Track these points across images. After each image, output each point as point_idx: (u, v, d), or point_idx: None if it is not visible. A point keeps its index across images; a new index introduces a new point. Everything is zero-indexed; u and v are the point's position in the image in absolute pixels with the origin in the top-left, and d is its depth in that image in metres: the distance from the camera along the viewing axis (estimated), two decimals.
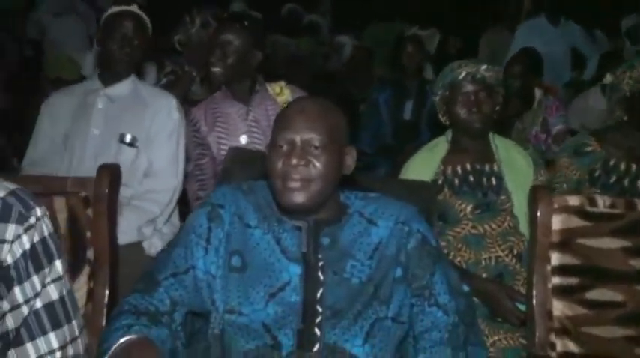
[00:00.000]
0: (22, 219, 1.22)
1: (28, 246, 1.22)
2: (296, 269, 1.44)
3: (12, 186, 1.26)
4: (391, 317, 1.44)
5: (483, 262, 2.12)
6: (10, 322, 1.21)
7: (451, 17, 7.28)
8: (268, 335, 1.38)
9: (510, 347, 1.99)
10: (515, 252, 2.12)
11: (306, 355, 1.36)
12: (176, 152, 2.51)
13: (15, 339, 1.22)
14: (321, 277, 1.44)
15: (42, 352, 1.24)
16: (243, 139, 2.51)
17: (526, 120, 3.72)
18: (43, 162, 2.43)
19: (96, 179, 1.67)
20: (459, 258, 2.14)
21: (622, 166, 2.20)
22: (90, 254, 1.65)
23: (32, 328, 1.24)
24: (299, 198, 1.43)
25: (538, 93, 3.81)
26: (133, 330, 1.26)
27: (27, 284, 1.22)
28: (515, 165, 2.25)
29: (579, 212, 1.71)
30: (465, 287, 1.59)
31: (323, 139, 1.44)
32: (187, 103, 2.91)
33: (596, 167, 2.22)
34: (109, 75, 2.51)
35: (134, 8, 2.51)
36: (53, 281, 1.27)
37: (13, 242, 1.20)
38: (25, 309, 1.22)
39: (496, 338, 2.00)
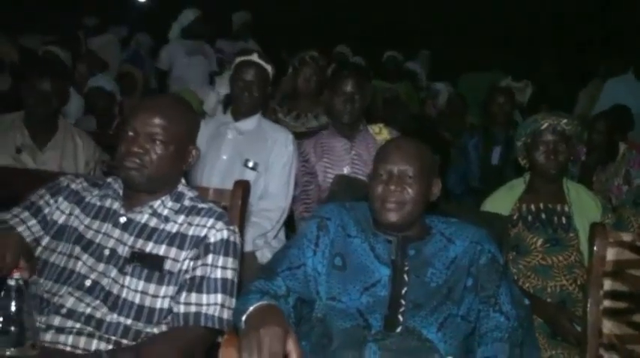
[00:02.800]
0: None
1: (225, 236, 1.81)
2: (386, 271, 1.81)
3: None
4: (461, 316, 1.77)
5: (549, 289, 2.43)
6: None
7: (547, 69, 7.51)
8: (361, 318, 1.74)
9: None
10: (578, 282, 2.40)
11: (390, 334, 1.71)
12: (288, 179, 2.94)
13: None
14: (406, 278, 1.80)
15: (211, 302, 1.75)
16: (346, 170, 2.94)
17: (609, 172, 3.94)
18: None
19: (232, 191, 2.11)
20: (527, 285, 2.45)
21: None
22: None
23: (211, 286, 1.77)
24: (394, 217, 1.82)
25: (622, 147, 4.03)
26: (264, 298, 1.66)
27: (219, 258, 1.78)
28: (584, 207, 2.53)
29: (631, 246, 1.99)
30: (526, 301, 1.92)
31: (415, 171, 1.83)
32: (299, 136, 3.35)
33: None
34: (238, 112, 3.00)
35: (255, 57, 2.98)
36: (232, 268, 1.81)
37: (219, 230, 1.81)
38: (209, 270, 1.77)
39: (554, 352, 2.29)
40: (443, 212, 2.03)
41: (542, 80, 6.96)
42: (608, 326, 1.97)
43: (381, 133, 3.04)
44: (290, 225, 3.03)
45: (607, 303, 1.98)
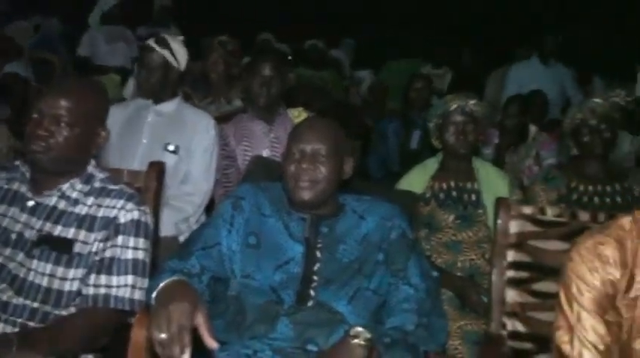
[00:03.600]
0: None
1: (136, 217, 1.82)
2: (299, 249, 1.85)
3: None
4: (371, 289, 1.82)
5: (459, 263, 2.54)
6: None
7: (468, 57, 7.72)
8: (274, 294, 1.78)
9: (473, 330, 2.39)
10: (486, 256, 2.51)
11: (302, 308, 1.76)
12: (210, 163, 2.95)
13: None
14: (319, 255, 1.84)
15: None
16: (265, 153, 2.96)
17: (520, 154, 4.11)
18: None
19: (146, 173, 2.10)
20: (440, 260, 2.55)
21: (581, 187, 2.61)
22: None
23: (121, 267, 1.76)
24: (307, 195, 1.85)
25: (533, 129, 4.21)
26: (175, 275, 1.67)
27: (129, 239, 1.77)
28: (492, 185, 2.65)
29: (532, 219, 2.10)
30: (435, 273, 1.99)
31: (328, 150, 1.87)
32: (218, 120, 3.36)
33: (561, 188, 2.63)
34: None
35: (152, 43, 2.94)
36: (143, 249, 1.81)
37: (129, 211, 1.81)
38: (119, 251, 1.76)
39: (462, 323, 2.41)
40: (356, 190, 2.09)
41: (462, 67, 7.18)
42: (511, 295, 2.07)
43: (300, 117, 3.08)
44: (211, 208, 3.03)
45: (510, 274, 2.08)
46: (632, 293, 1.45)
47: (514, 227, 2.10)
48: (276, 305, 1.76)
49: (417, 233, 2.39)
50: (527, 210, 2.12)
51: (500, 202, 2.15)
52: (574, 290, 1.49)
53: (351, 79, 6.67)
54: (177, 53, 2.93)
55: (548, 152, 4.08)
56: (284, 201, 1.93)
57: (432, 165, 2.74)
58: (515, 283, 2.07)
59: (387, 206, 1.97)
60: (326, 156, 1.86)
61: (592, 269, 1.47)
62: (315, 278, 1.81)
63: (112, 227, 1.78)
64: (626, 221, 1.50)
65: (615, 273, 1.45)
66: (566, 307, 1.50)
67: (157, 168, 2.12)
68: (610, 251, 1.46)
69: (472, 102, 2.67)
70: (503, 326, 2.05)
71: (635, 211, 1.52)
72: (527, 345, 2.03)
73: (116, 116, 2.88)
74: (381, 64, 6.85)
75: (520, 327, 2.04)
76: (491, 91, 5.60)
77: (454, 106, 2.66)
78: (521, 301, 2.06)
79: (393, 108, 5.40)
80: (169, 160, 2.75)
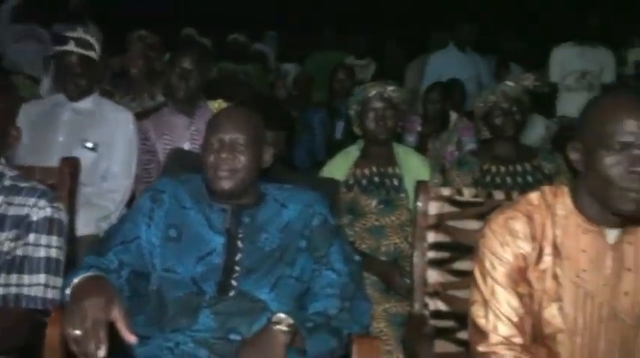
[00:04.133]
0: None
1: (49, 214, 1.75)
2: (220, 240, 1.83)
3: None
4: (294, 277, 1.82)
5: (383, 248, 2.57)
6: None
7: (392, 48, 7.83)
8: (195, 286, 1.76)
9: (398, 312, 2.43)
10: (409, 239, 2.55)
11: (223, 298, 1.74)
12: (130, 158, 2.90)
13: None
14: (240, 245, 1.83)
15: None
16: (187, 146, 2.92)
17: (442, 140, 4.20)
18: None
19: (59, 169, 2.04)
20: (364, 245, 2.57)
21: (493, 169, 2.69)
22: None
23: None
24: (227, 184, 1.84)
25: (454, 116, 4.31)
26: (92, 270, 1.63)
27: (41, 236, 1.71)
28: (413, 169, 2.70)
29: (450, 200, 2.14)
30: (357, 257, 2.01)
31: (246, 139, 1.85)
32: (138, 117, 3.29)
33: (475, 171, 2.70)
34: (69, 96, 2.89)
35: (72, 46, 2.85)
36: (57, 247, 1.74)
37: (42, 208, 1.73)
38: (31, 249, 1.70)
39: (387, 305, 2.45)
40: (278, 179, 2.08)
41: (386, 59, 7.28)
42: (432, 276, 2.10)
43: (220, 109, 3.05)
44: (132, 204, 2.97)
45: (431, 254, 2.12)
46: (542, 266, 1.50)
47: (433, 209, 2.13)
48: (198, 297, 1.74)
49: (341, 219, 2.41)
50: (446, 191, 2.16)
51: (419, 185, 2.18)
52: (487, 265, 1.53)
53: (276, 72, 6.65)
54: (95, 50, 2.86)
55: (469, 138, 4.18)
56: (204, 192, 1.91)
57: (353, 152, 2.76)
58: (435, 263, 2.11)
59: (309, 193, 1.97)
60: (245, 145, 1.85)
61: (503, 244, 1.52)
62: (237, 268, 1.80)
63: (24, 225, 1.72)
64: (534, 196, 1.56)
65: (526, 247, 1.51)
66: (480, 282, 1.54)
67: (70, 164, 2.07)
68: (520, 225, 1.51)
69: (390, 88, 2.71)
70: (426, 306, 2.08)
71: (542, 187, 1.58)
72: (449, 323, 2.07)
73: (29, 113, 2.80)
74: (307, 56, 6.88)
75: (442, 306, 2.08)
76: (410, 80, 5.70)
77: (373, 93, 2.69)
78: (442, 281, 2.10)
79: (318, 99, 5.42)
80: (88, 157, 2.70)
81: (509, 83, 2.79)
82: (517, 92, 2.74)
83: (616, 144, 1.38)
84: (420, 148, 4.03)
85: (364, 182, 2.66)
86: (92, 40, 2.89)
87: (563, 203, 1.52)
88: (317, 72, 5.98)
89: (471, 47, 5.44)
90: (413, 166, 2.71)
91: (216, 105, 3.08)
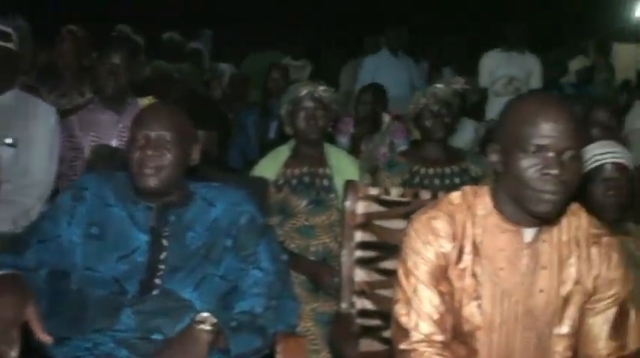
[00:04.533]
0: None
1: None
2: (145, 238, 1.80)
3: None
4: (220, 276, 1.81)
5: (312, 248, 2.58)
6: None
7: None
8: (117, 285, 1.72)
9: (326, 311, 2.44)
10: (338, 239, 2.56)
11: (146, 297, 1.71)
12: (50, 153, 2.80)
13: None
14: (165, 244, 1.80)
15: None
16: (114, 143, 2.86)
17: (375, 142, 4.24)
18: None
19: None
20: (293, 245, 2.57)
21: (422, 171, 2.74)
22: None
23: None
24: (152, 182, 1.80)
25: (386, 117, 4.36)
26: (6, 269, 1.57)
27: None
28: (343, 170, 2.71)
29: (377, 199, 2.17)
30: (285, 256, 2.01)
31: (173, 135, 1.82)
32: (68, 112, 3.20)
33: (405, 173, 2.74)
34: None
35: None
36: None
37: None
38: None
39: (315, 305, 2.46)
40: (207, 178, 2.06)
41: (322, 60, 7.30)
42: (360, 275, 2.13)
43: None
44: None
45: (359, 253, 2.14)
46: (462, 264, 1.54)
47: (361, 208, 2.15)
48: (120, 296, 1.71)
49: (271, 219, 2.40)
50: (373, 191, 2.18)
51: (348, 184, 2.20)
52: (410, 264, 1.55)
53: (211, 71, 6.58)
54: (12, 41, 2.76)
55: (401, 140, 4.25)
56: (129, 190, 1.87)
57: (284, 151, 2.76)
58: (363, 262, 2.13)
59: (236, 192, 1.96)
60: (171, 142, 1.82)
61: (426, 243, 1.54)
62: (162, 266, 1.77)
63: None
64: (455, 196, 1.59)
65: (447, 246, 1.54)
66: (403, 281, 1.56)
67: None
68: (441, 224, 1.54)
69: (321, 88, 2.72)
70: (353, 305, 2.10)
71: (463, 187, 1.62)
72: (376, 322, 2.09)
73: None
74: (244, 56, 6.85)
75: (368, 305, 2.11)
76: (345, 82, 5.74)
77: (304, 92, 2.69)
78: (369, 280, 2.13)
79: (255, 100, 5.40)
80: (6, 154, 2.61)
81: (439, 85, 2.83)
82: (447, 95, 2.79)
83: (531, 147, 1.42)
84: (353, 150, 4.06)
85: (294, 182, 2.66)
86: (9, 30, 2.77)
87: (484, 203, 1.55)
88: (254, 72, 5.97)
89: (404, 51, 5.52)
90: (343, 166, 2.72)
91: (147, 102, 3.02)
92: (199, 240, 1.83)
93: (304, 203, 2.62)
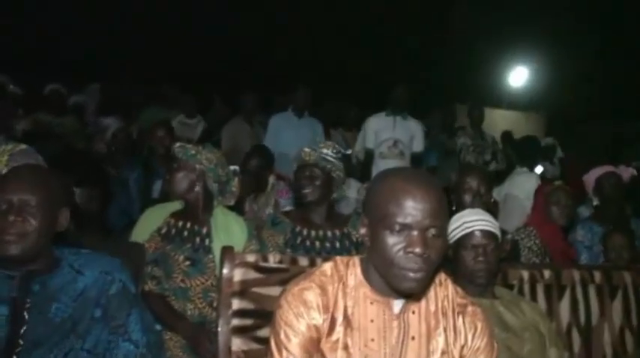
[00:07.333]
0: None
1: None
2: (4, 311, 1.68)
3: None
4: (86, 350, 1.72)
5: (189, 312, 2.53)
6: None
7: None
8: None
9: None
10: (214, 305, 2.52)
11: None
12: None
13: None
14: (27, 317, 1.70)
15: None
16: None
17: (260, 201, 4.23)
18: None
19: None
20: (173, 303, 2.53)
21: (304, 232, 2.75)
22: None
23: None
24: (14, 250, 1.70)
25: (271, 178, 4.37)
26: None
27: None
28: (228, 232, 2.68)
29: (255, 266, 2.15)
30: (158, 327, 1.94)
31: (38, 200, 1.74)
32: None
33: (287, 231, 2.75)
34: None
35: None
36: None
37: None
38: None
39: None
40: (76, 243, 1.98)
41: (214, 116, 7.28)
42: (237, 344, 2.09)
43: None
44: None
45: (235, 322, 2.11)
46: (334, 336, 1.54)
47: (238, 275, 2.14)
48: None
49: (153, 272, 2.41)
50: (251, 258, 2.17)
51: (224, 251, 2.18)
52: (282, 336, 1.54)
53: (95, 125, 6.39)
54: None
55: (286, 200, 4.27)
56: None
57: (177, 205, 2.76)
58: (240, 331, 2.10)
59: (107, 259, 1.88)
60: (36, 207, 1.73)
61: (298, 315, 1.53)
62: (21, 342, 1.66)
63: None
64: (327, 267, 1.60)
65: (318, 318, 1.53)
66: (275, 353, 1.54)
67: None
68: (313, 296, 1.54)
69: (205, 153, 2.71)
70: None
71: (335, 258, 1.63)
72: None
73: None
74: (133, 111, 6.73)
75: None
76: (227, 143, 5.73)
77: (180, 154, 2.69)
78: (246, 348, 2.09)
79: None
80: None
81: (307, 149, 2.83)
82: (314, 159, 2.78)
83: (396, 226, 1.44)
84: (238, 209, 4.02)
85: (173, 231, 2.63)
86: None
87: (354, 273, 1.57)
88: (148, 127, 5.86)
89: (309, 112, 5.62)
90: (230, 230, 2.70)
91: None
92: (65, 311, 1.74)
93: (182, 258, 2.58)
